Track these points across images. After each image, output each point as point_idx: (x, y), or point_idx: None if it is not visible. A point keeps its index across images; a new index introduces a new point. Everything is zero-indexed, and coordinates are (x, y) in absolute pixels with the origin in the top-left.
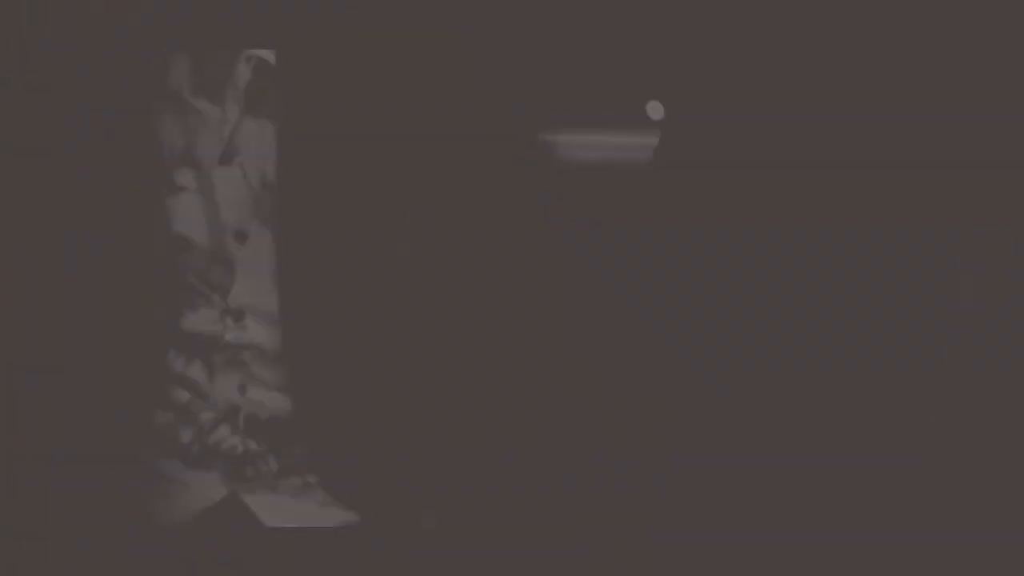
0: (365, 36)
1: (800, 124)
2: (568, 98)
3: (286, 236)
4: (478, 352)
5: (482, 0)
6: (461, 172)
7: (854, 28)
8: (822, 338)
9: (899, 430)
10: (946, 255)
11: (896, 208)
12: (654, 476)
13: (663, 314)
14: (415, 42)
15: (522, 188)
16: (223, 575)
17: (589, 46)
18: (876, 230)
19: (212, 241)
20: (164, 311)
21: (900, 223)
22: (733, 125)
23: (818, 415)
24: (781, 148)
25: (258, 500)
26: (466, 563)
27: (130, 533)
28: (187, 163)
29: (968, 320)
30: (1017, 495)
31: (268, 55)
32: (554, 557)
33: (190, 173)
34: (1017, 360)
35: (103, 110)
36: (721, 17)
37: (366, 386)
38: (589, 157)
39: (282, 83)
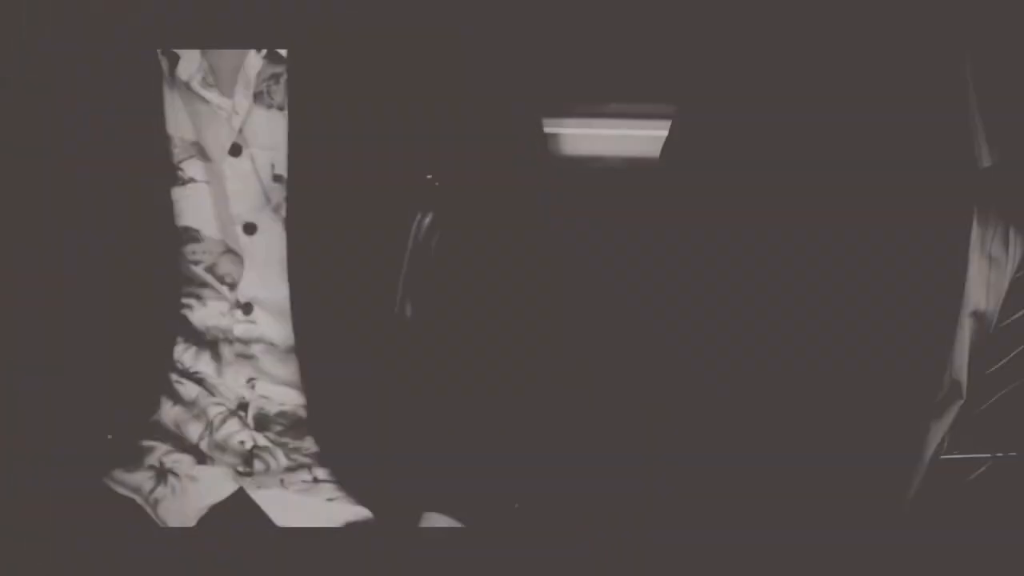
0: (368, 35)
1: (800, 124)
2: (568, 98)
3: (296, 228)
4: (479, 351)
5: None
6: (461, 172)
7: (855, 28)
8: (822, 338)
9: (900, 430)
10: (946, 255)
11: (897, 208)
12: (654, 476)
13: (663, 314)
14: (417, 41)
15: (522, 188)
16: (224, 574)
17: (589, 46)
18: (876, 230)
19: (221, 233)
20: (171, 305)
21: (901, 223)
22: (733, 125)
23: (818, 415)
24: (781, 148)
25: (266, 496)
26: (469, 563)
27: (130, 533)
28: (197, 155)
29: (969, 319)
30: (1018, 496)
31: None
32: (554, 557)
33: (200, 165)
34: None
35: (103, 110)
36: (721, 16)
37: (375, 381)
38: (590, 150)
39: (291, 75)
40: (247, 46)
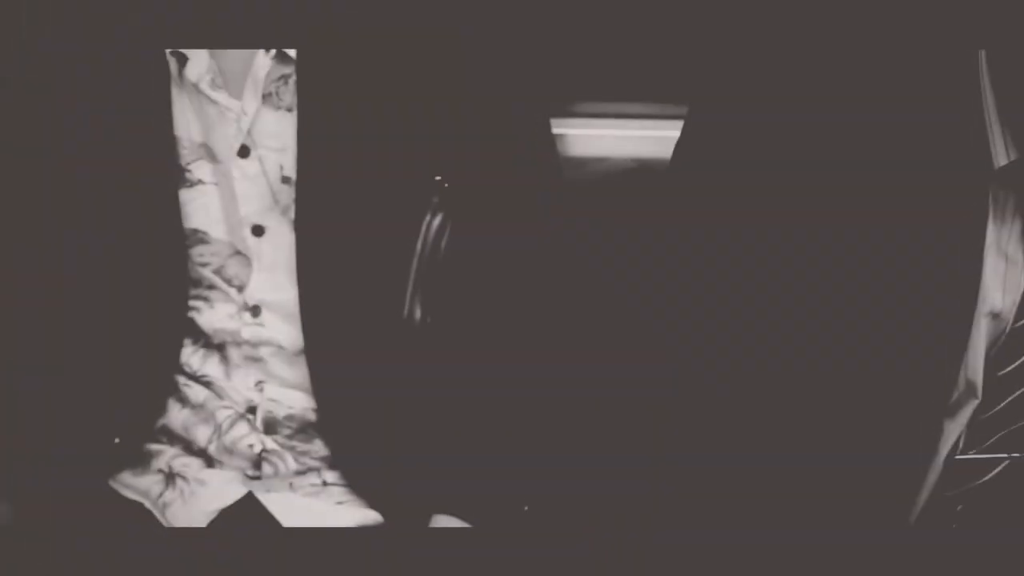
0: (378, 36)
1: (813, 124)
2: (568, 97)
3: (304, 230)
4: (488, 353)
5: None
6: (470, 173)
7: (869, 27)
8: (837, 338)
9: (915, 430)
10: (962, 255)
11: (913, 207)
12: (655, 476)
13: (663, 314)
14: (426, 42)
15: (532, 189)
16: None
17: (589, 45)
18: (891, 230)
19: (230, 235)
20: (179, 308)
21: (916, 223)
22: (733, 124)
23: (832, 415)
24: (794, 148)
25: (275, 499)
26: (478, 564)
27: (130, 533)
28: (205, 156)
29: (984, 319)
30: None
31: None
32: (563, 558)
33: (208, 166)
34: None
35: (110, 110)
36: (731, 15)
37: (384, 384)
38: (591, 151)
39: (300, 77)
40: (250, 46)
